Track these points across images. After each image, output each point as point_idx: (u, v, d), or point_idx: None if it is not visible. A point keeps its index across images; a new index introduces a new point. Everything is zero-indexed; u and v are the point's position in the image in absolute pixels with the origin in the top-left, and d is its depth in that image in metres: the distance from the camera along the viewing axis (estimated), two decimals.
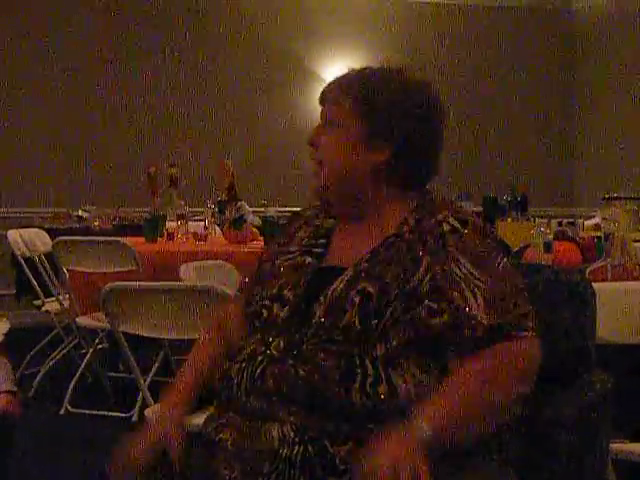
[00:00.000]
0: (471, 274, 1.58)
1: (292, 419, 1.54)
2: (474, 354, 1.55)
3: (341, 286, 1.61)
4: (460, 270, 1.59)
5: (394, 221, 1.69)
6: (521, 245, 3.50)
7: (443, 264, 1.59)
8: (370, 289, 1.58)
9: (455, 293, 1.57)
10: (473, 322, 1.55)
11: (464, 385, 1.52)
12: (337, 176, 1.71)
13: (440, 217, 1.66)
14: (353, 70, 1.77)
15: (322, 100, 1.78)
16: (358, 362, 1.54)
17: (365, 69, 1.76)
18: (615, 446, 2.15)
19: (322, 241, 1.76)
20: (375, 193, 1.71)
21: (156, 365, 4.26)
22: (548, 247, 3.41)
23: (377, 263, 1.62)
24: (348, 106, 1.70)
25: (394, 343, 1.54)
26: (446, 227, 1.64)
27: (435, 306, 1.56)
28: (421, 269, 1.59)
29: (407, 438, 1.43)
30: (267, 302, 1.69)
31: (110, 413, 4.33)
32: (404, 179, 1.73)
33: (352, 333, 1.56)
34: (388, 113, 1.69)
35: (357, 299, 1.58)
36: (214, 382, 1.73)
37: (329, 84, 1.78)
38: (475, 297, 1.56)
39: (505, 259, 1.64)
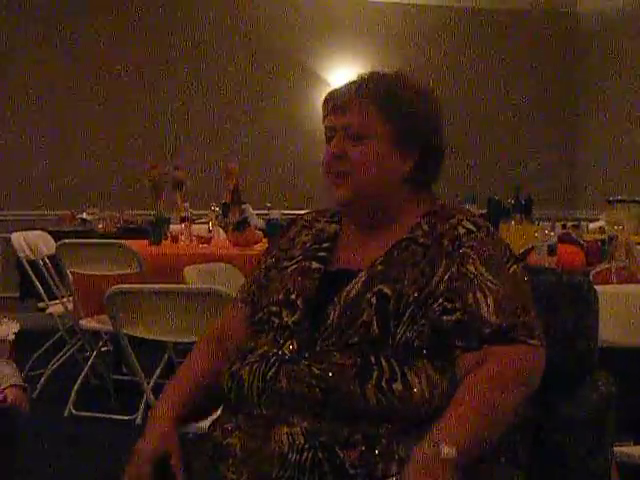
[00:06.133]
0: (482, 275, 1.59)
1: (303, 423, 1.52)
2: (481, 354, 1.54)
3: (357, 288, 1.61)
4: (473, 271, 1.59)
5: (405, 225, 1.69)
6: (525, 248, 3.50)
7: (459, 264, 1.60)
8: (387, 291, 1.58)
9: (469, 294, 1.57)
10: (483, 319, 1.55)
11: (477, 395, 1.50)
12: (368, 188, 1.67)
13: (454, 221, 1.67)
14: (360, 75, 1.73)
15: (338, 111, 1.69)
16: (374, 360, 1.54)
17: (372, 73, 1.73)
18: (619, 449, 2.15)
19: (326, 245, 1.75)
20: (395, 199, 1.71)
21: (160, 367, 4.27)
22: (552, 250, 3.41)
23: (392, 266, 1.62)
24: (375, 113, 1.66)
25: (411, 343, 1.54)
26: (461, 230, 1.65)
27: (449, 305, 1.57)
28: (439, 271, 1.59)
29: (436, 467, 1.42)
30: (275, 308, 1.67)
31: (114, 415, 4.33)
32: (422, 182, 1.73)
33: (369, 334, 1.56)
34: (412, 113, 1.68)
35: (374, 300, 1.58)
36: (205, 397, 1.71)
37: (339, 92, 1.71)
38: (486, 298, 1.57)
39: (515, 266, 1.64)
